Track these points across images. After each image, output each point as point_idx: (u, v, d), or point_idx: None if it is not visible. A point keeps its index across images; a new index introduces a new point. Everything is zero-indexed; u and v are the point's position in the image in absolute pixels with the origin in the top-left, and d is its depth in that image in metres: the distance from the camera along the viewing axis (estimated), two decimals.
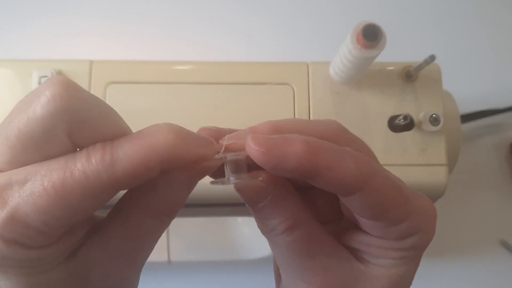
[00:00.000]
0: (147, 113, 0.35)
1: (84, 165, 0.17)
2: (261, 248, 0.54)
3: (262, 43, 0.64)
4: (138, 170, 0.18)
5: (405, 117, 0.34)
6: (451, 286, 0.60)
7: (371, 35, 0.30)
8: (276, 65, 0.37)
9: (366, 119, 0.36)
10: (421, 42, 0.65)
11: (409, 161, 0.35)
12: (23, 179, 0.18)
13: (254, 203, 0.22)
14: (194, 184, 0.20)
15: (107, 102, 0.34)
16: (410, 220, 0.21)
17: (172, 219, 0.20)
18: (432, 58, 0.32)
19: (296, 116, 0.35)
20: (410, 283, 0.23)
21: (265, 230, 0.22)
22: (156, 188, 0.19)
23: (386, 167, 0.35)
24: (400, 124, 0.35)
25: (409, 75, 0.36)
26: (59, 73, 0.34)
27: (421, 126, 0.35)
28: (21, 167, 0.18)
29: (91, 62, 0.35)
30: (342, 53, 0.32)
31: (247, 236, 0.56)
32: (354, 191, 0.19)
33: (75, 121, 0.18)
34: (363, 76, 0.35)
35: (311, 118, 0.35)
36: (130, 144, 0.18)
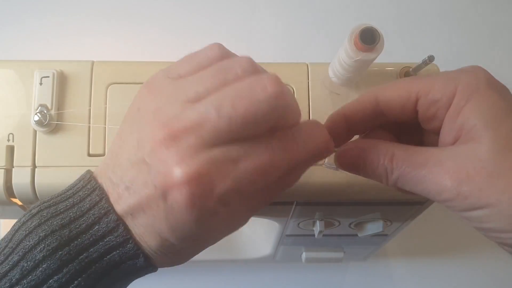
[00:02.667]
0: None
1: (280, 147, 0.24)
2: (261, 248, 0.54)
3: (262, 44, 0.64)
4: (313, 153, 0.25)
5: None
6: (450, 285, 0.60)
7: (368, 39, 0.30)
8: (276, 65, 0.37)
9: None
10: (419, 42, 0.65)
11: None
12: (237, 156, 0.23)
13: (356, 166, 0.28)
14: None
15: (108, 102, 0.35)
16: (437, 83, 0.26)
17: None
18: (430, 58, 0.33)
19: None
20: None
21: (384, 177, 0.27)
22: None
23: None
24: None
25: (408, 76, 0.36)
26: (61, 73, 0.35)
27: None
28: (230, 143, 0.23)
29: (93, 63, 0.36)
30: (340, 56, 0.32)
31: (247, 236, 0.56)
32: None
33: (283, 113, 0.23)
34: (362, 77, 0.35)
35: (310, 118, 0.36)
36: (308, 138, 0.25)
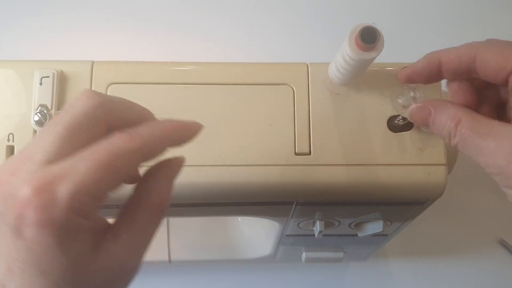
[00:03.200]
0: None
1: (120, 139, 0.23)
2: (261, 248, 0.54)
3: (262, 44, 0.64)
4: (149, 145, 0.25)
5: (404, 117, 0.35)
6: (450, 285, 0.60)
7: (369, 38, 0.30)
8: (276, 65, 0.37)
9: (366, 119, 0.36)
10: (419, 42, 0.65)
11: (408, 161, 0.35)
12: (74, 162, 0.22)
13: (426, 123, 0.30)
14: (174, 178, 0.27)
15: None
16: None
17: (165, 215, 0.26)
18: None
19: (295, 116, 0.36)
20: None
21: (447, 138, 0.29)
22: (154, 187, 0.25)
23: (385, 167, 0.36)
24: (399, 124, 0.35)
25: None
26: (61, 73, 0.35)
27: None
28: (67, 156, 0.23)
29: (93, 63, 0.36)
30: (340, 56, 0.32)
31: (247, 236, 0.56)
32: None
33: (107, 109, 0.24)
34: (362, 77, 0.36)
35: (311, 118, 0.36)
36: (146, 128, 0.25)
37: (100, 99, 0.24)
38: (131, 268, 0.25)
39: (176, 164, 0.27)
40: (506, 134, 0.26)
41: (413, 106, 0.32)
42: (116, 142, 0.23)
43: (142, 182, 0.26)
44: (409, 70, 0.32)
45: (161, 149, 0.25)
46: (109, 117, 0.25)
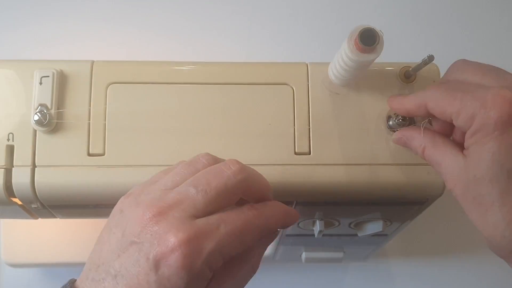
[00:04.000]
0: (148, 113, 0.35)
1: (252, 215, 0.29)
2: None
3: (262, 44, 0.64)
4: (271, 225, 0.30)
5: (404, 117, 0.35)
6: (450, 285, 0.60)
7: (368, 39, 0.30)
8: (276, 65, 0.37)
9: (365, 119, 0.36)
10: (419, 42, 0.65)
11: (408, 161, 0.35)
12: (217, 223, 0.27)
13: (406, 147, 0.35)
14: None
15: (108, 102, 0.35)
16: (463, 112, 0.29)
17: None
18: (430, 58, 0.33)
19: (295, 116, 0.36)
20: (502, 160, 0.28)
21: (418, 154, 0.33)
22: (255, 253, 0.31)
23: (385, 167, 0.36)
24: (399, 124, 0.35)
25: (408, 76, 0.36)
26: (61, 73, 0.35)
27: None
28: (209, 214, 0.27)
29: (92, 62, 0.36)
30: (339, 57, 0.32)
31: None
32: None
33: (247, 183, 0.29)
34: (362, 77, 0.36)
35: (310, 118, 0.36)
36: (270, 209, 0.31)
37: (246, 174, 0.29)
38: None
39: (272, 236, 0.32)
40: (451, 163, 0.31)
41: (394, 135, 0.35)
42: (249, 215, 0.28)
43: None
44: (397, 105, 0.35)
45: (273, 230, 0.31)
46: (246, 190, 0.29)
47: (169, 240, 0.25)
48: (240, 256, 0.29)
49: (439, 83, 0.33)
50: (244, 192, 0.29)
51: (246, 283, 0.31)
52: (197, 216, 0.27)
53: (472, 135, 0.29)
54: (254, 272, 0.31)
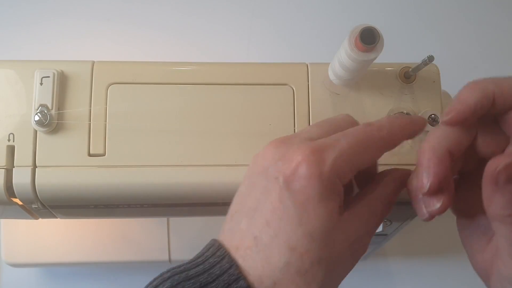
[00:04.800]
0: (148, 114, 0.35)
1: (371, 128, 0.28)
2: None
3: (262, 44, 0.64)
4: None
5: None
6: (450, 285, 0.60)
7: (368, 39, 0.30)
8: (276, 65, 0.37)
9: (365, 119, 0.36)
10: (419, 42, 0.65)
11: (408, 161, 0.35)
12: (337, 137, 0.27)
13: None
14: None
15: (109, 102, 0.35)
16: None
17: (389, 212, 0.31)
18: (430, 58, 0.33)
19: (295, 116, 0.36)
20: None
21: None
22: (387, 183, 0.30)
23: (385, 167, 0.36)
24: None
25: (408, 76, 0.36)
26: (61, 73, 0.35)
27: None
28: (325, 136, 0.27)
29: (93, 63, 0.36)
30: (339, 56, 0.32)
31: None
32: None
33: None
34: (362, 77, 0.36)
35: (310, 118, 0.36)
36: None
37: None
38: (364, 238, 0.28)
39: (403, 175, 0.30)
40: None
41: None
42: (369, 129, 0.27)
43: (379, 176, 0.30)
44: (456, 111, 0.26)
45: (399, 141, 0.29)
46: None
47: (292, 156, 0.26)
48: (373, 185, 0.29)
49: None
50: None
51: (380, 217, 0.29)
52: (314, 139, 0.27)
53: None
54: (389, 209, 0.30)
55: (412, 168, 0.35)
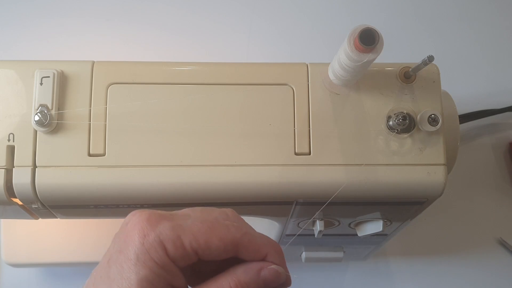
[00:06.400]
0: (148, 114, 0.35)
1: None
2: None
3: (262, 44, 0.64)
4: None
5: (404, 117, 0.35)
6: (450, 285, 0.60)
7: (368, 39, 0.30)
8: (276, 65, 0.37)
9: (365, 119, 0.36)
10: (419, 42, 0.65)
11: (408, 161, 0.35)
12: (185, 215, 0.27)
13: None
14: None
15: (108, 103, 0.35)
16: None
17: None
18: (430, 58, 0.33)
19: (295, 116, 0.36)
20: None
21: None
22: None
23: (385, 167, 0.36)
24: (399, 124, 0.35)
25: (408, 76, 0.36)
26: (61, 73, 0.35)
27: (420, 126, 0.35)
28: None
29: (93, 63, 0.36)
30: (339, 57, 0.32)
31: None
32: None
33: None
34: (362, 77, 0.36)
35: (310, 119, 0.36)
36: None
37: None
38: None
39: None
40: None
41: None
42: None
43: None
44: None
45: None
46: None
47: (128, 222, 0.26)
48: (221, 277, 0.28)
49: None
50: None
51: None
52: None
53: None
54: None
55: (412, 167, 0.36)
